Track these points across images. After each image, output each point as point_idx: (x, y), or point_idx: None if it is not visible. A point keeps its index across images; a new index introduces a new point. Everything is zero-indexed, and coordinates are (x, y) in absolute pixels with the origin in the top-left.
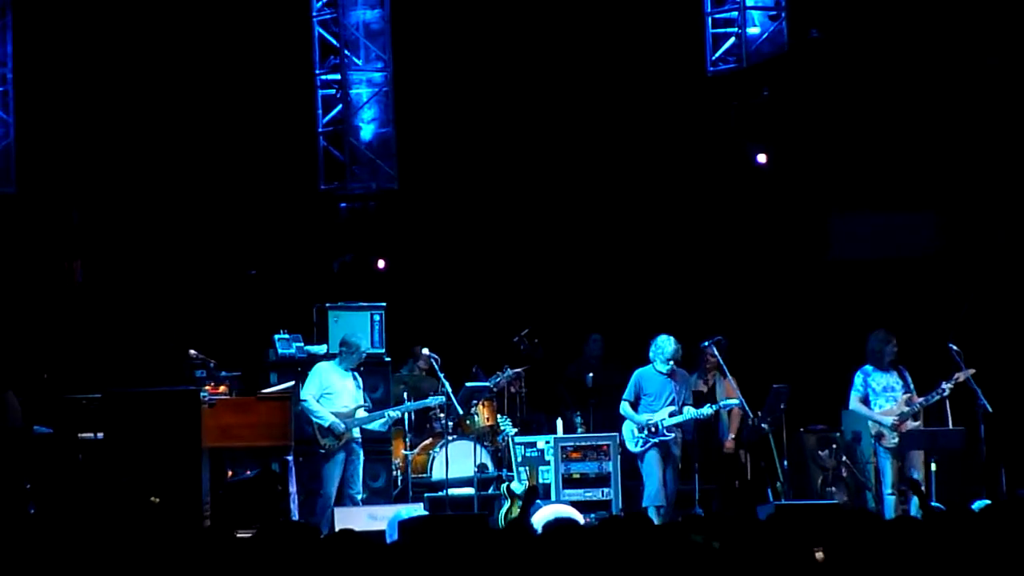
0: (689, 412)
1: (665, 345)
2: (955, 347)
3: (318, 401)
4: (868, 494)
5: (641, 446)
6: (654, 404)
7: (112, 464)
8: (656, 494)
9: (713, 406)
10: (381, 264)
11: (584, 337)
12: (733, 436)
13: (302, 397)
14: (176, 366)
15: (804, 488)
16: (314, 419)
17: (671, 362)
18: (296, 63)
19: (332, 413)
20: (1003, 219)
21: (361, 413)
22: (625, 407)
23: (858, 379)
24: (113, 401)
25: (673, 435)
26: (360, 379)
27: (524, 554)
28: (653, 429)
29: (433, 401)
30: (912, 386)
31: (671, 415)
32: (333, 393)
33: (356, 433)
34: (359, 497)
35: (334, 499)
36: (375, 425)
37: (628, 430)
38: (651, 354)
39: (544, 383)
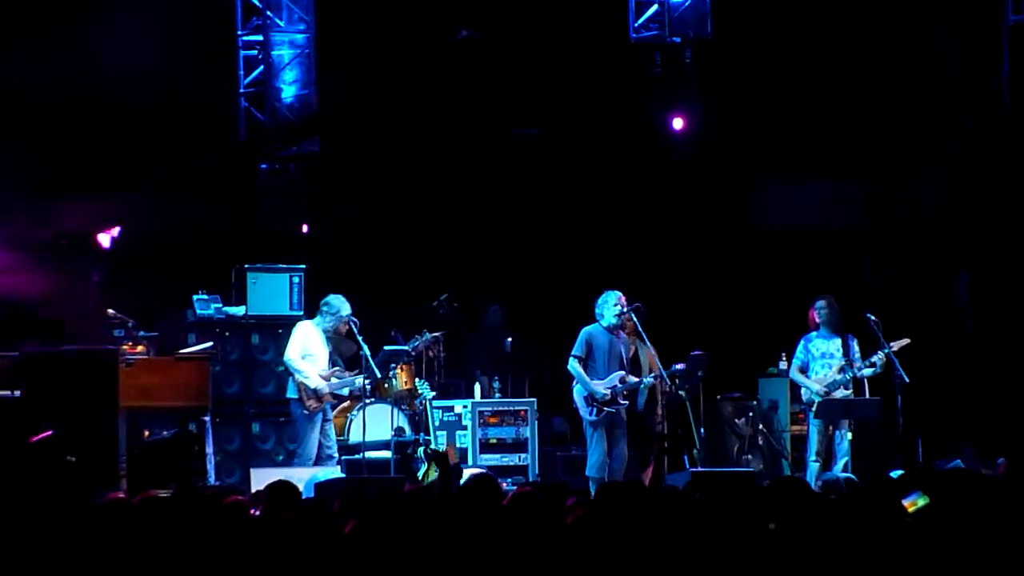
0: (633, 380)
1: (612, 297)
2: (873, 317)
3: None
4: (784, 462)
5: (596, 415)
6: (601, 365)
7: (29, 423)
8: (600, 465)
9: (649, 377)
10: (305, 229)
11: (484, 308)
12: (662, 411)
13: (287, 357)
14: (95, 325)
15: (720, 455)
16: (299, 378)
17: (620, 315)
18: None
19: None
20: (926, 191)
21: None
22: (575, 365)
23: (800, 346)
24: (31, 359)
25: (627, 403)
26: (330, 344)
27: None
28: (609, 398)
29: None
30: (857, 355)
31: (621, 380)
32: (314, 355)
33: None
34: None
35: (314, 460)
36: (344, 391)
37: (580, 395)
38: (598, 310)
39: (463, 347)
